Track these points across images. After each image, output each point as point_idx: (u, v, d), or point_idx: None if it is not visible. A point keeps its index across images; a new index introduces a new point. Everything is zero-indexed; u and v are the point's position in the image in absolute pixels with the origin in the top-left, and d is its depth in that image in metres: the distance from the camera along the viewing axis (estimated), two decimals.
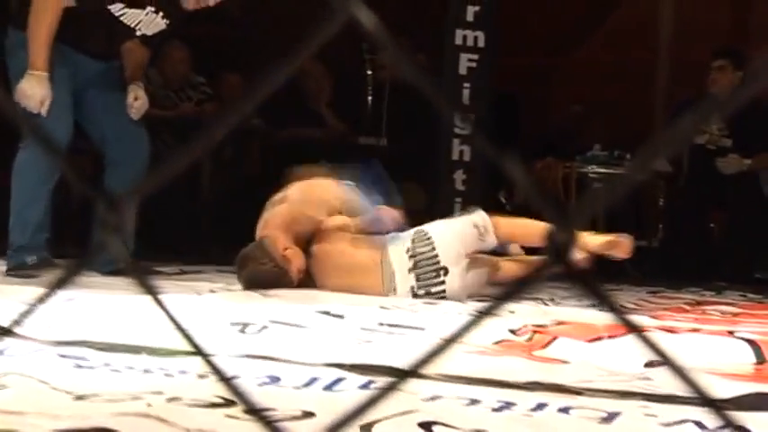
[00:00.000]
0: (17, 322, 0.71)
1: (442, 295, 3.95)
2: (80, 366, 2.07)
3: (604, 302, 0.40)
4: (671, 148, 0.42)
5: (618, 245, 3.98)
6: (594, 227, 4.26)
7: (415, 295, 3.95)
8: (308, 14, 7.85)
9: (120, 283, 4.02)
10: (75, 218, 6.29)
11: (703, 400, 0.42)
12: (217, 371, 0.49)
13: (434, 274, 3.96)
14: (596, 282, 0.42)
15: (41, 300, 0.65)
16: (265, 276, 3.97)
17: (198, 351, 0.49)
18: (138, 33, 4.42)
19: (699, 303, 4.51)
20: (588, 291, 0.40)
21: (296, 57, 0.48)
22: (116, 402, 1.69)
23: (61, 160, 0.47)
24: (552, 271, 0.40)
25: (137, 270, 0.48)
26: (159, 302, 0.49)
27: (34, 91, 4.05)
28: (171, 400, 1.72)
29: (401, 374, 0.44)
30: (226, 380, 0.48)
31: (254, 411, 0.49)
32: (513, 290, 0.43)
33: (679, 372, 0.42)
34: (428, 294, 3.95)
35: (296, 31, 6.95)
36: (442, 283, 3.96)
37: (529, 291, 0.43)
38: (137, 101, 4.43)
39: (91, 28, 4.28)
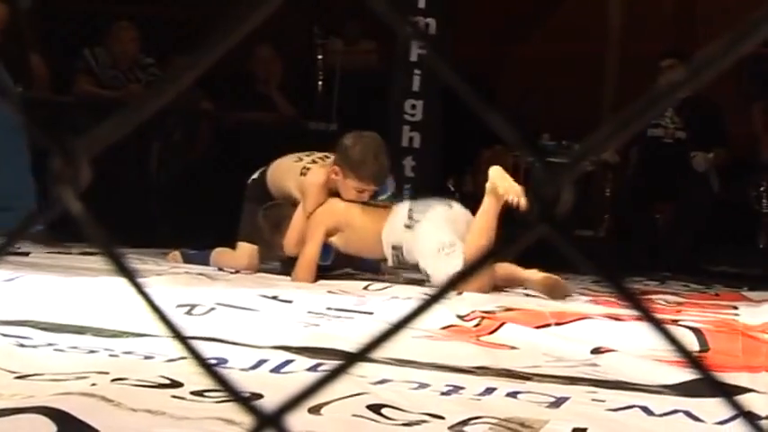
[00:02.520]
0: None
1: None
2: (23, 345, 2.03)
3: (592, 264, 0.39)
4: (617, 138, 0.41)
5: (556, 286, 3.99)
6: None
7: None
8: None
9: (64, 263, 3.97)
10: None
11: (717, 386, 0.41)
12: (196, 355, 0.47)
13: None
14: (582, 243, 0.41)
15: None
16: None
17: (177, 335, 0.47)
18: None
19: (643, 293, 4.56)
20: (575, 251, 0.39)
21: (229, 37, 0.47)
22: (60, 382, 1.67)
23: (18, 108, 0.45)
24: (537, 230, 0.38)
25: (111, 250, 0.47)
26: (136, 284, 0.47)
27: None
28: (116, 380, 1.70)
29: (350, 357, 0.43)
30: (207, 365, 0.46)
31: (240, 398, 0.48)
32: (494, 252, 0.42)
33: (686, 354, 0.41)
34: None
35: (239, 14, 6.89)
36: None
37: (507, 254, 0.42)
38: None
39: None
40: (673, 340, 0.41)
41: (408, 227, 4.10)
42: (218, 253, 4.52)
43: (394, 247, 4.12)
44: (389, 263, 4.19)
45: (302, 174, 4.30)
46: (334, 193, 4.27)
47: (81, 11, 7.20)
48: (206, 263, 4.44)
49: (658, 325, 0.42)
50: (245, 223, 4.46)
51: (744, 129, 7.03)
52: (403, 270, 4.27)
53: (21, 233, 0.52)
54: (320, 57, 7.00)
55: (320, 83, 6.95)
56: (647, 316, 0.42)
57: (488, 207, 4.05)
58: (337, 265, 4.40)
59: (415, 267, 4.09)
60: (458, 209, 4.25)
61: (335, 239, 4.23)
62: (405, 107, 6.23)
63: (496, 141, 7.00)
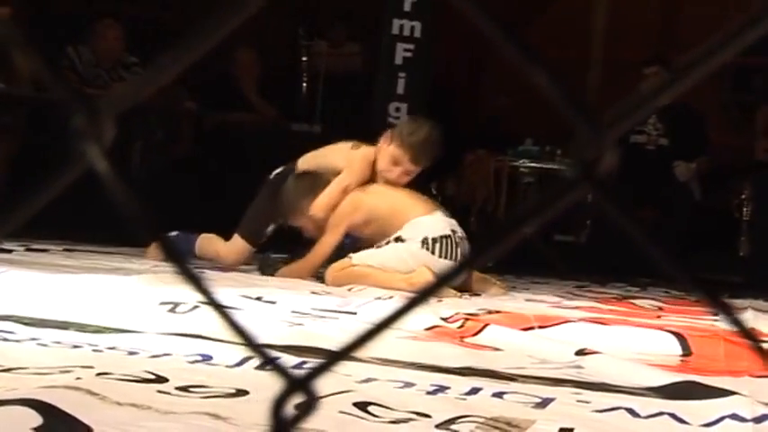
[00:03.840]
0: None
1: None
2: (6, 340, 2.01)
3: (633, 224, 0.38)
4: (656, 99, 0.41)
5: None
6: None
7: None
8: None
9: (45, 260, 3.95)
10: None
11: None
12: (263, 354, 0.47)
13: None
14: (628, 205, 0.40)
15: None
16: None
17: (247, 340, 0.47)
18: None
19: (625, 298, 4.57)
20: (618, 209, 0.39)
21: (209, 37, 0.46)
22: (44, 375, 1.65)
23: (44, 63, 0.44)
24: (580, 190, 0.37)
25: (172, 253, 0.46)
26: (201, 288, 0.47)
27: None
28: (101, 374, 1.69)
29: (335, 355, 0.43)
30: (235, 325, 0.46)
31: (272, 362, 0.48)
32: (536, 210, 0.42)
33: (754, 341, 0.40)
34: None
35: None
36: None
37: (545, 215, 0.41)
38: None
39: None
40: (748, 334, 0.41)
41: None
42: (206, 239, 4.47)
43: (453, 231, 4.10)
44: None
45: (353, 148, 4.32)
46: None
47: (65, 8, 7.17)
48: (190, 247, 4.40)
49: (727, 310, 0.41)
50: (253, 219, 4.43)
51: (725, 137, 7.08)
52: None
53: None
54: (305, 59, 7.00)
55: (304, 84, 6.95)
56: (713, 301, 0.41)
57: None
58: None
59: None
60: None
61: (360, 232, 4.21)
62: (389, 110, 6.23)
63: (479, 146, 7.02)
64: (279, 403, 0.48)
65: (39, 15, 6.76)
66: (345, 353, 0.46)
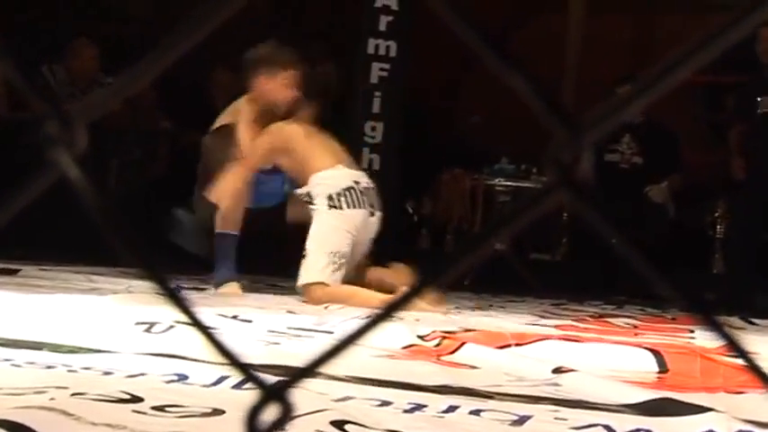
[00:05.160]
0: None
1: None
2: None
3: (616, 230, 0.38)
4: (629, 105, 0.41)
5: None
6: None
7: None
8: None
9: (18, 280, 3.92)
10: None
11: None
12: (240, 367, 0.47)
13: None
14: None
15: None
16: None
17: (223, 353, 0.47)
18: None
19: (601, 316, 4.59)
20: (597, 214, 0.39)
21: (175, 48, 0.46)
22: (18, 396, 1.64)
23: (15, 71, 0.44)
24: (559, 194, 0.37)
25: (156, 275, 0.46)
26: (187, 311, 0.46)
27: None
28: (75, 394, 1.67)
29: (310, 365, 0.42)
30: (213, 339, 0.46)
31: (247, 372, 0.47)
32: (509, 218, 0.42)
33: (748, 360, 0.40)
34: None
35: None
36: None
37: (524, 223, 0.41)
38: None
39: None
40: (743, 353, 0.41)
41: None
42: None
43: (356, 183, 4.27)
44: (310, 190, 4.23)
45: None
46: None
47: (40, 27, 7.15)
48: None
49: (718, 327, 0.41)
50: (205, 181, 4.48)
51: (698, 155, 7.12)
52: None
53: None
54: None
55: None
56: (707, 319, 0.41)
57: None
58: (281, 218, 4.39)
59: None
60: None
61: (284, 162, 4.31)
62: (365, 129, 6.24)
63: (455, 164, 7.04)
64: (253, 414, 0.47)
65: (12, 33, 6.73)
66: (320, 363, 0.45)
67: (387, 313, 0.44)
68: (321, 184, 4.27)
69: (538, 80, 0.40)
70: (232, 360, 0.47)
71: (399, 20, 6.25)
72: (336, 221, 4.20)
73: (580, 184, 0.38)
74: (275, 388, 0.45)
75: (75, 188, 0.44)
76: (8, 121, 6.37)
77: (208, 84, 6.66)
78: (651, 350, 2.84)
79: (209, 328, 2.01)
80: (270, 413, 0.49)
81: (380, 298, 3.89)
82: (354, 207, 4.25)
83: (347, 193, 4.26)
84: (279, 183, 4.52)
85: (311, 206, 4.24)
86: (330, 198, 4.24)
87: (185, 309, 0.47)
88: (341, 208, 4.23)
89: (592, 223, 0.39)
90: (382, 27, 6.24)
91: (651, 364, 2.71)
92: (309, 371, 0.45)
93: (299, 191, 4.30)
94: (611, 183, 6.36)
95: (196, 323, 0.47)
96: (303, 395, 1.90)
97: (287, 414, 0.45)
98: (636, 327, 4.06)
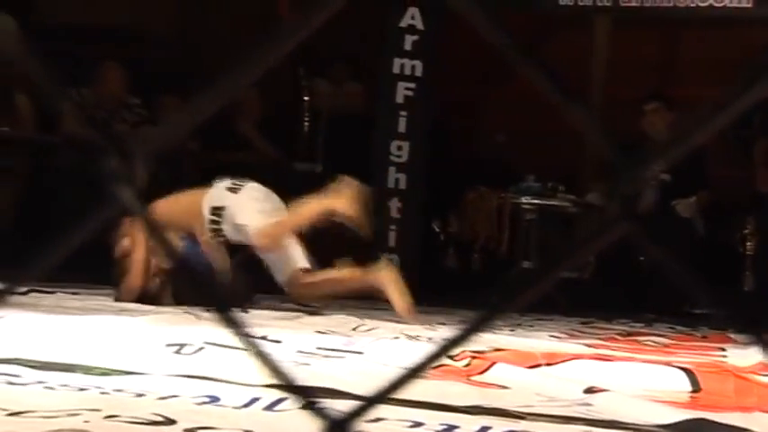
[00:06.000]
0: None
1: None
2: (12, 384, 2.00)
3: (677, 264, 0.38)
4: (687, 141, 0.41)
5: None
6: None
7: None
8: (244, 37, 7.79)
9: (48, 302, 3.94)
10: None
11: None
12: (301, 393, 0.47)
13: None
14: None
15: None
16: None
17: (284, 380, 0.47)
18: None
19: (630, 334, 4.56)
20: (657, 249, 0.38)
21: (263, 60, 0.46)
22: (52, 418, 1.64)
23: (66, 98, 0.44)
24: (619, 227, 0.37)
25: (221, 303, 0.46)
26: (245, 336, 0.46)
27: None
28: (109, 416, 1.68)
29: (375, 397, 0.42)
30: (280, 371, 0.46)
31: (311, 403, 0.47)
32: (573, 252, 0.41)
33: None
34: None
35: (231, 53, 6.92)
36: None
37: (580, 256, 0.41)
38: None
39: None
40: None
41: (233, 189, 4.56)
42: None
43: (216, 209, 4.50)
44: (206, 227, 4.48)
45: None
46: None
47: (68, 51, 7.21)
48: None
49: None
50: None
51: (726, 171, 7.08)
52: (219, 237, 4.55)
53: (26, 276, 0.50)
54: (306, 98, 7.02)
55: (306, 124, 6.97)
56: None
57: (314, 208, 4.43)
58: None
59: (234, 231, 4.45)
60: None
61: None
62: (391, 148, 6.24)
63: (481, 183, 7.02)
64: None
65: (42, 58, 6.79)
66: (385, 394, 0.45)
67: (459, 340, 0.43)
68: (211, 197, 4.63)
69: (597, 113, 0.40)
70: (295, 387, 0.47)
71: (425, 39, 6.26)
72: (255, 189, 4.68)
73: (641, 216, 0.37)
74: (340, 419, 0.45)
75: (136, 221, 0.45)
76: (36, 143, 6.43)
77: (232, 103, 6.68)
78: (683, 369, 2.81)
79: (235, 348, 2.00)
80: None
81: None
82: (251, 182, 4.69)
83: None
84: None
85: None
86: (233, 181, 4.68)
87: (245, 334, 0.47)
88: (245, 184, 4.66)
89: (653, 256, 0.39)
90: (407, 47, 6.26)
91: (684, 384, 2.68)
92: (375, 402, 0.45)
93: None
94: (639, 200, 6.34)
95: (257, 351, 0.47)
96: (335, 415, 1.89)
97: None
98: (666, 345, 4.03)
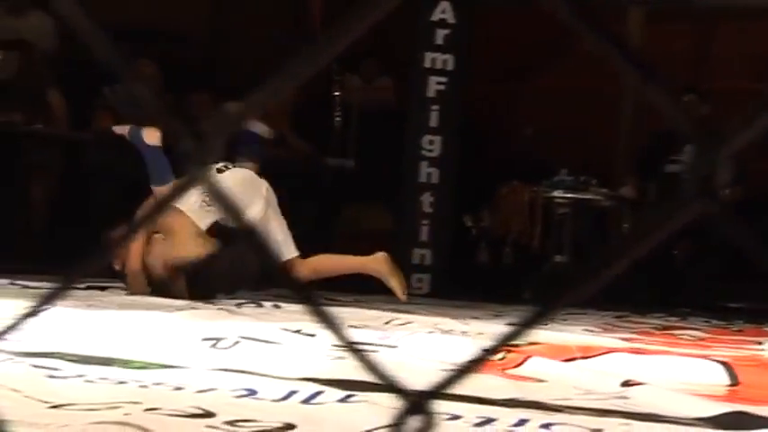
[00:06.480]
0: (1, 335, 0.68)
1: None
2: (53, 377, 2.02)
3: (752, 241, 0.38)
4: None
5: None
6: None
7: None
8: (275, 34, 7.80)
9: (83, 295, 3.97)
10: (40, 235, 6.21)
11: None
12: (389, 383, 0.47)
13: None
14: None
15: (31, 314, 0.63)
16: None
17: (390, 385, 0.47)
18: None
19: (665, 328, 4.53)
20: (736, 225, 0.38)
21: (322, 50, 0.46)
22: (93, 411, 1.66)
23: (151, 94, 0.45)
24: (696, 204, 0.37)
25: (309, 294, 0.46)
26: (337, 329, 0.47)
27: None
28: (149, 410, 1.69)
29: (456, 373, 0.43)
30: (363, 357, 0.46)
31: (389, 383, 0.48)
32: (649, 232, 0.41)
33: None
34: None
35: (262, 51, 6.94)
36: None
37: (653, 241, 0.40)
38: None
39: None
40: None
41: (220, 170, 4.56)
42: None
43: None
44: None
45: None
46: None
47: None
48: None
49: None
50: None
51: (760, 164, 7.02)
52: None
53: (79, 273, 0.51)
54: (337, 93, 7.03)
55: (337, 119, 6.98)
56: None
57: (354, 264, 4.62)
58: None
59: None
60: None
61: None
62: (422, 143, 6.23)
63: (514, 177, 7.00)
64: (398, 423, 0.48)
65: (75, 55, 6.84)
66: (466, 371, 0.45)
67: (526, 326, 0.43)
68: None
69: (676, 92, 0.39)
70: (381, 375, 0.47)
71: (456, 33, 6.24)
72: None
73: (718, 195, 0.37)
74: (419, 397, 0.45)
75: (219, 203, 0.45)
76: (70, 140, 6.48)
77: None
78: (721, 362, 2.80)
79: (271, 342, 2.00)
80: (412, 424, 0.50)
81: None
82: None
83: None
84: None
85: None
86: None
87: (335, 326, 0.47)
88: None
89: (728, 235, 0.38)
90: (439, 41, 6.25)
91: (722, 377, 2.67)
92: (455, 379, 0.45)
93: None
94: (673, 193, 6.29)
95: (346, 341, 0.47)
96: (373, 409, 1.90)
97: (431, 424, 0.45)
98: (702, 339, 4.00)
